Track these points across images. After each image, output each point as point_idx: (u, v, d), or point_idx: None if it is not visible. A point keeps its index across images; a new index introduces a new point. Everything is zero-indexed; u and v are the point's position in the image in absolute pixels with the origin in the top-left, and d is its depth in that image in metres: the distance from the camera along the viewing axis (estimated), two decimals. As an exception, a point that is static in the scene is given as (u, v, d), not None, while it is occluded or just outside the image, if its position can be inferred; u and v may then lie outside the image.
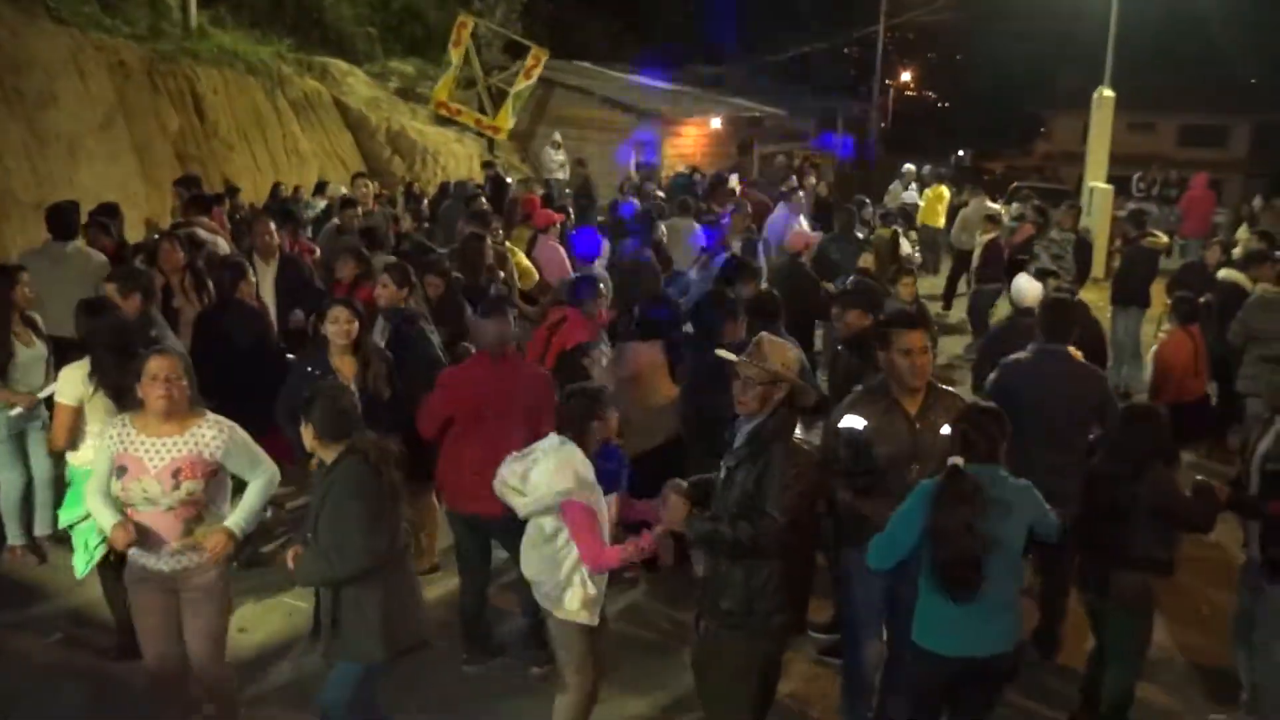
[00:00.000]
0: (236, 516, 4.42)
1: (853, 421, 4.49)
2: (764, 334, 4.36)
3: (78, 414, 5.13)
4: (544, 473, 4.31)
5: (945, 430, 4.38)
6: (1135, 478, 4.63)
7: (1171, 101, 36.08)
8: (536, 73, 20.92)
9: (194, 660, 4.48)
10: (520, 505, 4.41)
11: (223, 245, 9.07)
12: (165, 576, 4.34)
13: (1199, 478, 4.95)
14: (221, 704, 4.67)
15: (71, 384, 5.12)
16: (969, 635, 4.12)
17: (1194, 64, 37.11)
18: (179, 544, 4.30)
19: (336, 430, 4.13)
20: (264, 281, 7.96)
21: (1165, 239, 12.10)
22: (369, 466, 4.09)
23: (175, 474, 4.23)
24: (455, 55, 20.50)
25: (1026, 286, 7.71)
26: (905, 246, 12.77)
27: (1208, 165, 24.20)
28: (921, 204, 18.43)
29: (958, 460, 4.06)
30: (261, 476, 4.49)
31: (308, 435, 4.18)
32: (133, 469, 4.25)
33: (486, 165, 17.33)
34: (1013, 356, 5.81)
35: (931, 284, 16.53)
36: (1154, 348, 8.51)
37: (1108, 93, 18.64)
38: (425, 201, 14.46)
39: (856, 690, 4.79)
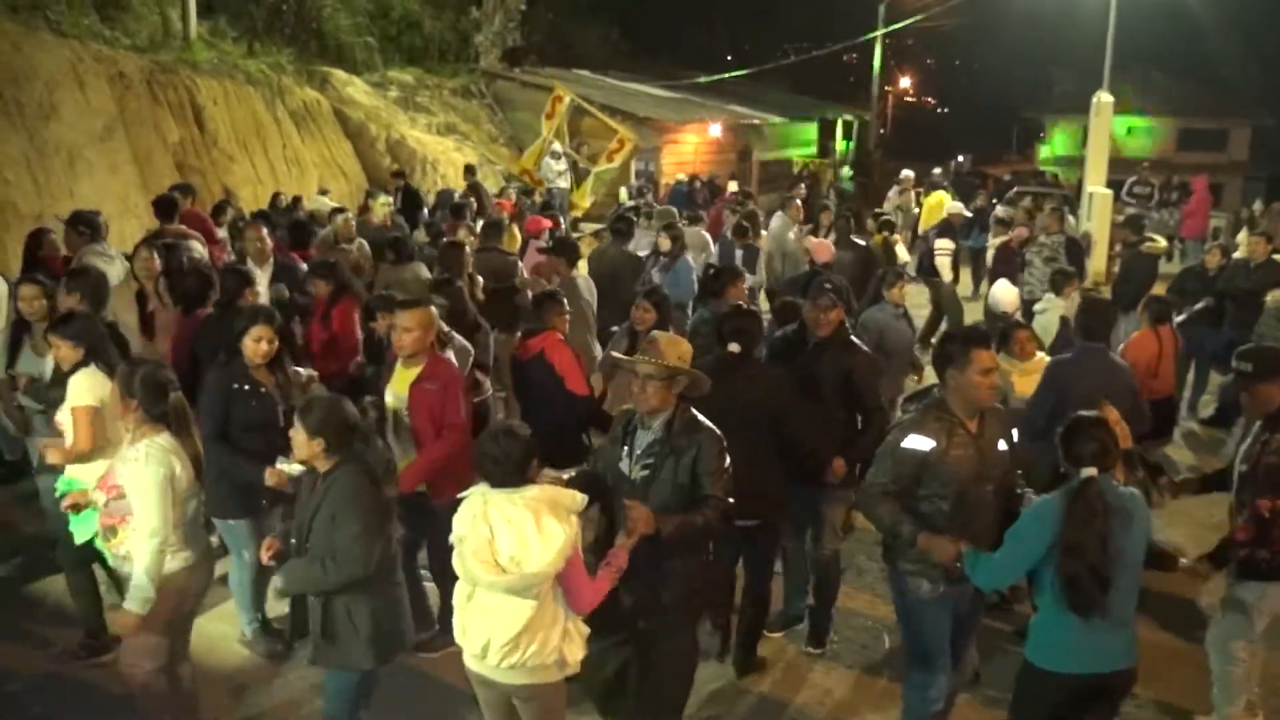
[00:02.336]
0: (130, 597, 4.31)
1: (919, 442, 4.33)
2: (656, 332, 4.50)
3: (99, 414, 4.97)
4: (542, 532, 3.73)
5: (1002, 446, 4.41)
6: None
7: (1170, 106, 36.13)
8: (620, 157, 20.44)
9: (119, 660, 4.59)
10: (525, 583, 3.74)
11: (197, 247, 9.04)
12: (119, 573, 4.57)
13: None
14: (143, 710, 4.60)
15: (90, 386, 5.00)
16: (1093, 653, 4.02)
17: (1192, 68, 37.19)
18: (108, 545, 4.45)
19: (337, 441, 4.11)
20: (258, 288, 7.98)
21: (1164, 244, 12.10)
22: (366, 477, 4.11)
23: (101, 479, 4.41)
24: (546, 127, 20.07)
25: (1002, 294, 7.75)
26: (902, 254, 12.83)
27: (1207, 169, 24.21)
28: (922, 211, 18.45)
29: (1092, 472, 3.94)
30: (141, 529, 4.28)
31: (301, 443, 4.13)
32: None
33: (396, 175, 16.51)
34: (1058, 357, 6.38)
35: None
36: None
37: (1106, 97, 18.65)
38: (425, 210, 14.50)
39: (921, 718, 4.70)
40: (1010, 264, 12.59)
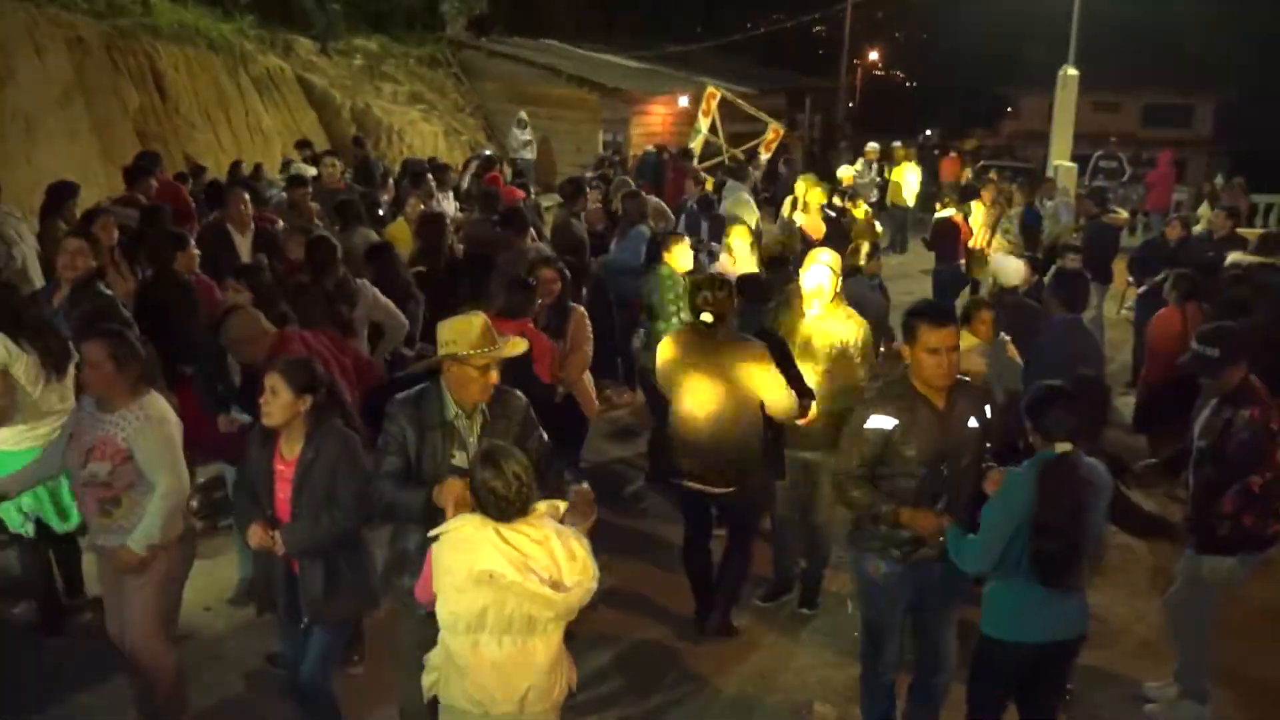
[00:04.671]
0: (137, 534, 4.29)
1: (881, 422, 4.21)
2: (482, 318, 4.13)
3: (3, 377, 4.97)
4: (566, 545, 3.56)
5: (973, 424, 4.28)
6: None
7: (1136, 81, 36.32)
8: (774, 146, 20.44)
9: (127, 640, 4.45)
10: (585, 599, 3.56)
11: (132, 215, 8.93)
12: (104, 551, 4.40)
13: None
14: (155, 688, 4.54)
15: None
16: (1049, 621, 4.00)
17: (1158, 44, 37.38)
18: (97, 523, 4.32)
19: (319, 398, 4.15)
20: (241, 253, 7.93)
21: (1125, 215, 12.21)
22: (346, 422, 4.22)
23: (89, 451, 4.23)
24: (704, 123, 20.19)
25: (1009, 267, 7.75)
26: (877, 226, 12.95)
27: (1172, 144, 24.42)
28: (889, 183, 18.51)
29: (1067, 447, 3.85)
30: (161, 486, 4.28)
31: (285, 404, 4.05)
32: (73, 438, 4.31)
33: (302, 145, 15.20)
34: (1046, 332, 6.35)
35: (899, 262, 16.62)
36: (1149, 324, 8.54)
37: (1072, 71, 18.78)
38: (391, 180, 14.38)
39: (879, 694, 4.67)
40: (947, 238, 12.61)
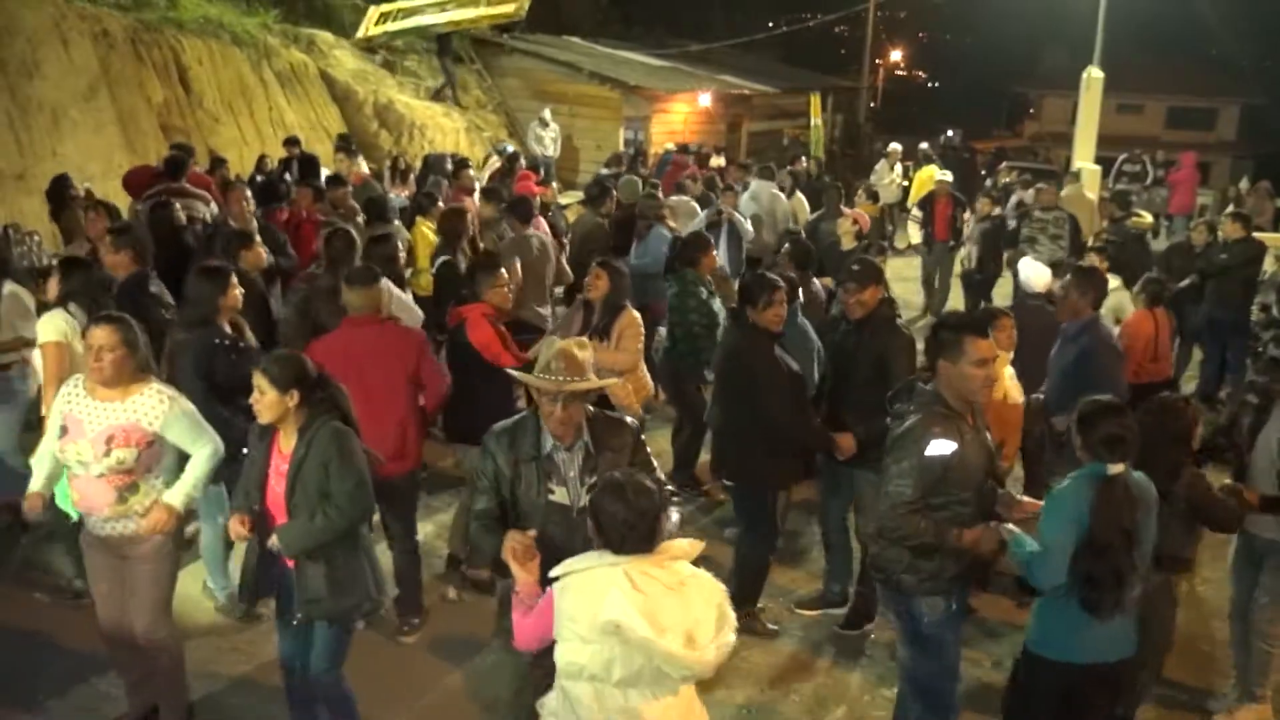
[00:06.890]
0: (176, 490, 4.41)
1: (943, 447, 3.95)
2: (562, 343, 3.79)
3: (66, 350, 5.18)
4: (705, 592, 3.26)
5: (988, 435, 4.21)
6: (1170, 478, 4.31)
7: (1160, 83, 36.12)
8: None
9: (134, 626, 4.49)
10: (722, 657, 3.20)
11: (199, 207, 8.96)
12: (109, 541, 4.41)
13: (1227, 482, 4.87)
14: (163, 671, 4.62)
15: (53, 323, 5.27)
16: (1098, 640, 3.87)
17: (1183, 46, 37.20)
18: (111, 511, 4.33)
19: (308, 394, 4.11)
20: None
21: (1149, 219, 12.13)
22: (346, 425, 4.16)
23: (108, 440, 4.25)
24: (820, 124, 22.41)
25: (1034, 273, 7.68)
26: (914, 233, 12.93)
27: (1196, 147, 24.24)
28: (912, 185, 18.43)
29: (1119, 468, 3.75)
30: (204, 449, 4.46)
31: (272, 402, 4.04)
32: (73, 431, 4.30)
33: (290, 143, 14.75)
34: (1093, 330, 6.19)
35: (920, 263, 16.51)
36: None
37: (1096, 73, 18.64)
38: (412, 176, 14.41)
39: None
40: (992, 239, 12.55)
